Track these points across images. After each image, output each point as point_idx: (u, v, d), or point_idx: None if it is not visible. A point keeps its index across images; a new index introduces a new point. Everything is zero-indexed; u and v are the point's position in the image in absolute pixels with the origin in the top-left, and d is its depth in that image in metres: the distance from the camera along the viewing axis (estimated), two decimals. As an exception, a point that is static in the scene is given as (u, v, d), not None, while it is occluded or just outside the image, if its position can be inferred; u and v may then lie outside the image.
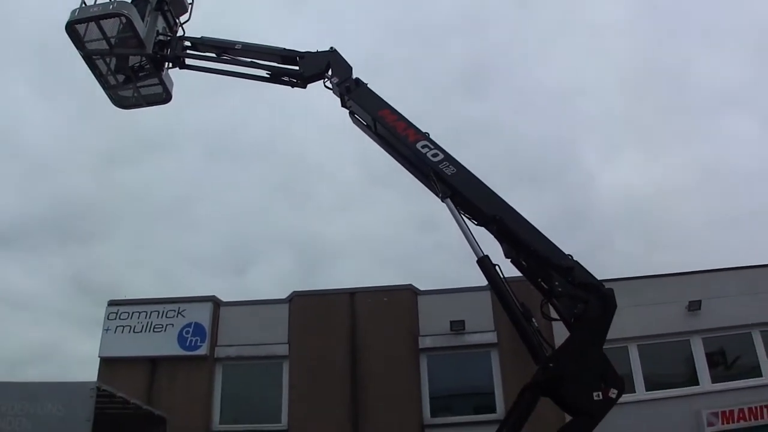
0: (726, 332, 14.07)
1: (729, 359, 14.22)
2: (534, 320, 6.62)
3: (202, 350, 13.83)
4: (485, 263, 6.78)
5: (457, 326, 13.38)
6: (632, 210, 36.52)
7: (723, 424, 13.29)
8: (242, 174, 39.53)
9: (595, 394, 6.16)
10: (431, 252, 35.74)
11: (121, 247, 36.33)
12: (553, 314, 6.80)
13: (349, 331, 13.64)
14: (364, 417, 13.07)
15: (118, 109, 10.58)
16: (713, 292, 14.07)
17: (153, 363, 14.05)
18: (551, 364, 6.19)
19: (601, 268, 6.73)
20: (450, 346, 13.46)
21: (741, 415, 13.36)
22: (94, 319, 15.35)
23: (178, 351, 13.95)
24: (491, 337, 13.41)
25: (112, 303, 14.69)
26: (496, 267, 6.80)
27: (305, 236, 36.76)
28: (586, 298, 6.50)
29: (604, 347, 6.42)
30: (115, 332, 14.35)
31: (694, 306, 13.86)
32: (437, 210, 7.49)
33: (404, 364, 13.32)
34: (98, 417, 11.46)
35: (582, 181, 36.63)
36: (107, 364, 14.19)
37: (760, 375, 13.95)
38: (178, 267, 35.56)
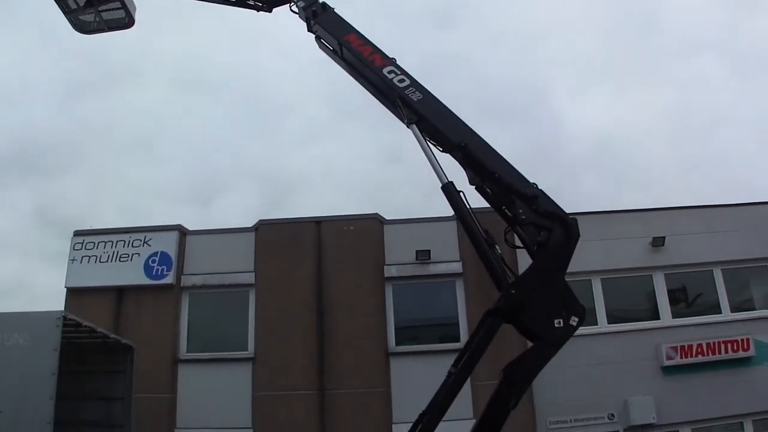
0: (688, 269, 14.27)
1: (690, 296, 14.47)
2: (497, 247, 6.58)
3: (169, 279, 13.79)
4: (449, 189, 6.70)
5: (423, 256, 13.38)
6: (600, 149, 36.77)
7: (681, 357, 13.63)
8: (208, 106, 38.87)
9: (556, 321, 6.07)
10: (398, 185, 35.63)
11: (86, 181, 35.68)
12: (518, 242, 6.81)
13: (314, 259, 13.61)
14: (330, 345, 13.20)
15: (81, 35, 10.30)
16: (677, 229, 14.20)
17: (120, 292, 14.02)
18: (513, 291, 6.17)
19: (568, 206, 6.62)
20: (415, 275, 13.50)
21: (699, 350, 13.70)
22: (60, 253, 15.18)
23: (144, 280, 13.90)
24: (456, 267, 13.45)
25: (77, 233, 14.53)
26: (461, 193, 6.76)
27: (272, 169, 36.45)
28: (550, 226, 6.43)
29: (567, 279, 6.45)
30: (81, 262, 14.24)
31: (658, 242, 14.01)
32: (404, 144, 7.37)
33: (369, 293, 13.38)
34: (66, 346, 11.49)
35: (551, 119, 36.71)
36: (74, 294, 14.14)
37: (719, 312, 14.25)
38: (144, 200, 35.12)
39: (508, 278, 6.33)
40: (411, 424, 6.04)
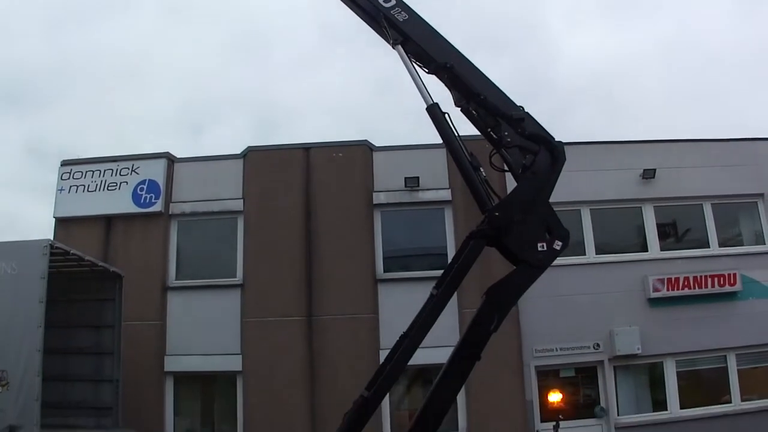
0: (678, 202, 14.27)
1: (679, 228, 14.51)
2: (482, 170, 6.51)
3: (157, 207, 13.74)
4: (434, 111, 6.59)
5: (412, 183, 13.34)
6: (594, 83, 36.40)
7: (668, 290, 13.73)
8: (197, 34, 38.14)
9: (539, 244, 6.00)
10: (389, 115, 35.17)
11: (74, 112, 35.09)
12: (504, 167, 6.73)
13: (303, 186, 13.54)
14: (319, 271, 13.23)
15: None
16: (668, 162, 14.16)
17: (108, 221, 13.99)
18: (497, 213, 6.10)
19: (559, 138, 6.59)
20: (404, 202, 13.49)
21: (686, 283, 13.78)
22: (49, 186, 15.06)
23: (132, 208, 13.85)
24: (445, 195, 13.43)
25: (65, 163, 14.42)
26: (446, 115, 6.67)
27: (263, 98, 35.91)
28: (536, 149, 6.37)
29: (556, 209, 6.40)
30: (69, 192, 14.18)
31: (648, 174, 13.98)
32: (395, 73, 7.20)
33: (358, 220, 13.36)
34: (54, 275, 11.52)
35: (544, 49, 36.19)
36: (63, 224, 14.13)
37: (707, 246, 14.29)
38: (134, 130, 34.67)
39: (492, 201, 6.26)
40: None
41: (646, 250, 14.06)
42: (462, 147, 6.44)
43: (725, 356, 13.97)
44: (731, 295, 13.89)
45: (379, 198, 13.54)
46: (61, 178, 14.25)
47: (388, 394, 12.26)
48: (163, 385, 13.25)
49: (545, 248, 6.01)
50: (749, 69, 36.26)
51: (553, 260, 6.10)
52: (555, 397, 13.40)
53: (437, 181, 13.50)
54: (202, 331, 13.20)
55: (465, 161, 6.38)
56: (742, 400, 13.90)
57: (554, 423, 12.39)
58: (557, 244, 6.08)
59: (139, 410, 12.82)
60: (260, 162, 13.81)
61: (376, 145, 13.98)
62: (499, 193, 6.60)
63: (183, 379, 13.47)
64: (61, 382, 12.02)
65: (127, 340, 12.75)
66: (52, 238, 10.22)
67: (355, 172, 13.59)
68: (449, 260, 12.91)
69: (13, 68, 33.81)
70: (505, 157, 6.48)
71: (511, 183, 6.72)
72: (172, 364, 13.27)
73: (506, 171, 6.59)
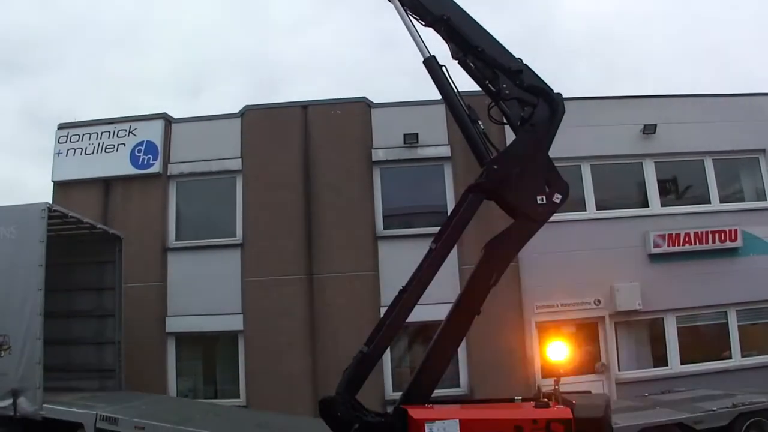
0: (678, 158, 14.17)
1: (679, 184, 14.44)
2: (480, 123, 6.43)
3: (155, 168, 13.65)
4: (431, 63, 6.52)
5: (411, 139, 13.23)
6: (595, 37, 35.89)
7: (669, 246, 13.70)
8: None
9: (538, 197, 6.03)
10: (389, 73, 34.79)
11: (71, 76, 34.70)
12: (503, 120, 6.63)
13: (302, 144, 13.42)
14: (318, 230, 13.19)
15: None
16: (669, 117, 14.02)
17: (106, 184, 13.91)
18: (495, 166, 6.02)
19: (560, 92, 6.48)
20: (403, 158, 13.40)
21: (687, 239, 13.74)
22: (47, 151, 14.93)
23: (131, 170, 13.76)
24: (444, 151, 13.32)
25: (62, 126, 14.30)
26: (443, 68, 6.56)
27: (261, 58, 35.52)
28: (534, 101, 6.29)
29: (557, 164, 6.30)
30: (66, 156, 14.08)
31: (649, 129, 13.87)
32: (393, 29, 7.00)
33: (357, 177, 13.27)
34: (53, 239, 11.47)
35: (543, 4, 35.66)
36: (61, 188, 14.07)
37: (708, 202, 14.23)
38: (131, 93, 34.41)
39: (490, 154, 6.19)
40: None
41: (647, 206, 14.00)
42: (460, 99, 6.37)
43: (725, 312, 14.00)
44: (732, 251, 13.87)
45: (378, 155, 13.46)
46: (59, 142, 14.16)
47: (388, 350, 12.50)
48: (165, 345, 13.27)
49: (544, 201, 6.00)
50: (752, 25, 35.75)
51: (552, 213, 6.05)
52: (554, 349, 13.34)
53: (437, 138, 13.40)
54: (203, 291, 13.19)
55: (463, 114, 6.32)
56: (743, 356, 13.95)
57: (556, 379, 12.43)
58: (557, 197, 6.05)
59: (141, 371, 12.86)
60: (258, 121, 13.69)
61: (375, 102, 13.85)
62: (498, 146, 6.54)
63: (184, 339, 13.49)
64: (63, 346, 12.04)
65: (128, 301, 12.75)
66: (50, 203, 10.16)
67: (353, 129, 13.48)
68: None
69: (9, 32, 33.42)
70: (504, 109, 6.41)
71: (510, 136, 6.66)
72: (173, 324, 13.28)
73: (505, 124, 6.53)
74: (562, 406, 5.50)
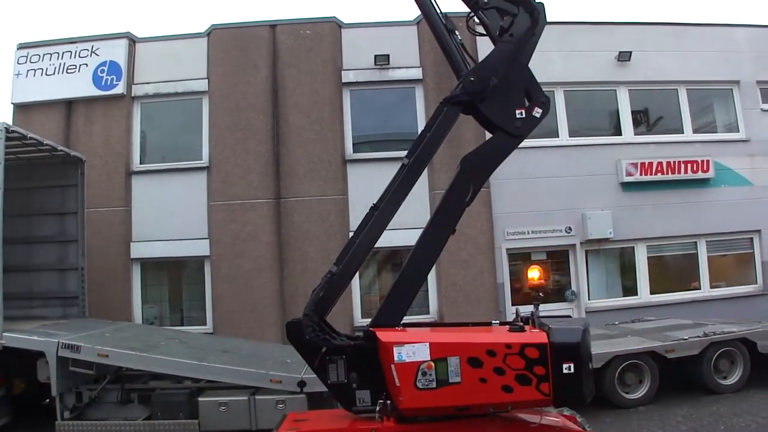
0: (653, 86, 14.02)
1: (653, 113, 14.33)
2: (457, 33, 6.09)
3: (119, 89, 13.18)
4: None
5: (382, 61, 12.86)
6: None
7: (641, 174, 13.66)
8: None
9: (517, 111, 5.67)
10: None
11: None
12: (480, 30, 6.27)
13: (269, 64, 12.98)
14: (286, 152, 12.88)
15: None
16: (645, 45, 13.85)
17: (68, 106, 13.44)
18: (471, 78, 5.66)
19: None
20: (374, 80, 13.05)
21: (659, 168, 13.70)
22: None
23: (93, 91, 13.28)
24: (416, 74, 13.00)
25: (21, 46, 13.72)
26: None
27: None
28: (515, 10, 5.95)
29: None
30: (26, 77, 13.56)
31: (624, 57, 13.68)
32: None
33: (327, 99, 12.89)
34: (13, 162, 11.07)
35: None
36: (21, 110, 13.63)
37: (681, 132, 14.15)
38: (94, 10, 32.77)
39: (468, 66, 5.88)
40: None
41: (620, 134, 13.88)
42: (436, 7, 6.04)
43: (696, 243, 14.07)
44: (704, 182, 13.90)
45: (348, 77, 13.09)
46: (18, 62, 13.62)
47: (357, 276, 12.36)
48: (129, 272, 13.03)
49: (523, 115, 5.66)
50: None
51: (532, 128, 5.73)
52: (534, 274, 13.37)
53: (408, 60, 13.06)
54: (168, 216, 12.92)
55: (438, 22, 5.99)
56: (711, 287, 14.06)
57: (535, 302, 12.42)
58: (536, 112, 5.70)
59: (106, 299, 12.64)
60: (225, 40, 13.22)
61: (345, 22, 13.44)
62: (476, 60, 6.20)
63: (150, 265, 13.24)
64: (24, 273, 11.79)
65: (92, 227, 12.46)
66: (8, 123, 9.73)
67: (323, 49, 13.07)
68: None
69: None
70: (482, 19, 6.08)
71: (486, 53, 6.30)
72: (138, 250, 13.02)
73: (483, 35, 6.21)
74: (537, 330, 5.21)
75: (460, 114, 5.81)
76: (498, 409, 5.13)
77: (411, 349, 5.04)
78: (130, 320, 12.64)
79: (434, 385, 4.99)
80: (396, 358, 5.03)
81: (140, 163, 13.31)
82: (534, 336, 5.09)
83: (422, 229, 5.67)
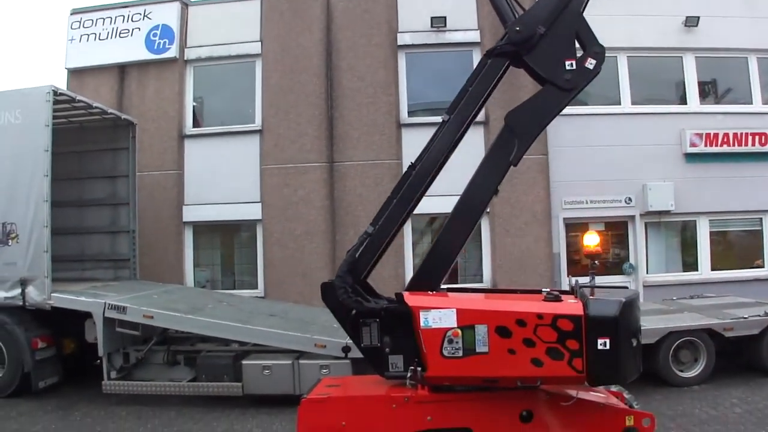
0: (721, 53, 13.38)
1: (721, 82, 13.71)
2: None
3: (171, 53, 13.15)
4: None
5: (438, 23, 12.51)
6: None
7: (706, 146, 13.10)
8: None
9: (567, 62, 5.17)
10: None
11: None
12: None
13: (323, 26, 12.74)
14: (339, 116, 12.69)
15: None
16: (713, 9, 13.16)
17: (121, 70, 13.50)
18: (518, 27, 5.25)
19: None
20: (430, 43, 12.71)
21: (725, 140, 13.13)
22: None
23: (146, 55, 13.30)
24: (474, 36, 12.61)
25: (74, 12, 13.82)
26: None
27: None
28: None
29: None
30: (80, 41, 13.66)
31: (692, 22, 13.02)
32: None
33: (381, 62, 12.62)
34: (64, 125, 11.14)
35: None
36: (75, 75, 13.77)
37: (750, 102, 13.53)
38: None
39: (515, 13, 5.48)
40: None
41: (685, 103, 13.31)
42: None
43: (761, 219, 13.52)
44: (771, 155, 13.26)
45: (403, 39, 12.77)
46: (71, 28, 13.71)
47: (410, 238, 12.10)
48: (182, 235, 13.06)
49: (574, 67, 5.18)
50: None
51: (585, 81, 5.21)
52: (591, 240, 12.74)
53: (466, 22, 12.67)
54: (221, 179, 12.89)
55: None
56: (775, 266, 13.50)
57: (591, 269, 11.89)
58: (590, 62, 5.17)
59: (158, 262, 12.71)
60: (278, 2, 12.98)
61: (401, -18, 13.11)
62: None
63: (202, 229, 13.25)
64: (76, 235, 11.93)
65: (144, 190, 12.55)
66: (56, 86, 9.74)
67: (378, 11, 12.75)
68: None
69: None
70: None
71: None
72: (190, 214, 13.03)
73: None
74: (575, 301, 4.73)
75: (507, 68, 5.38)
76: (526, 383, 4.74)
77: (438, 315, 4.73)
78: (181, 283, 12.69)
79: (460, 353, 4.67)
80: (422, 324, 4.73)
81: (193, 127, 13.26)
82: (568, 307, 4.66)
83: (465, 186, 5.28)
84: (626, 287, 5.56)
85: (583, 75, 5.22)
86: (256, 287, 12.82)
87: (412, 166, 5.32)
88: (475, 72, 5.42)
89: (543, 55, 5.25)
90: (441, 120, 5.33)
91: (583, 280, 5.45)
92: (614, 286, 6.06)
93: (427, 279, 5.13)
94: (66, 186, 11.14)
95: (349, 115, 12.63)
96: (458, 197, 5.23)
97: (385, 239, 5.29)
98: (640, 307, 4.90)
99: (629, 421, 4.88)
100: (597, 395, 5.16)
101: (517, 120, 5.23)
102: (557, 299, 4.79)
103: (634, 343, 4.67)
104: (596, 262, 11.94)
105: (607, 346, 4.48)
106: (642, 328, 4.96)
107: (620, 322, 4.53)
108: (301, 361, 8.40)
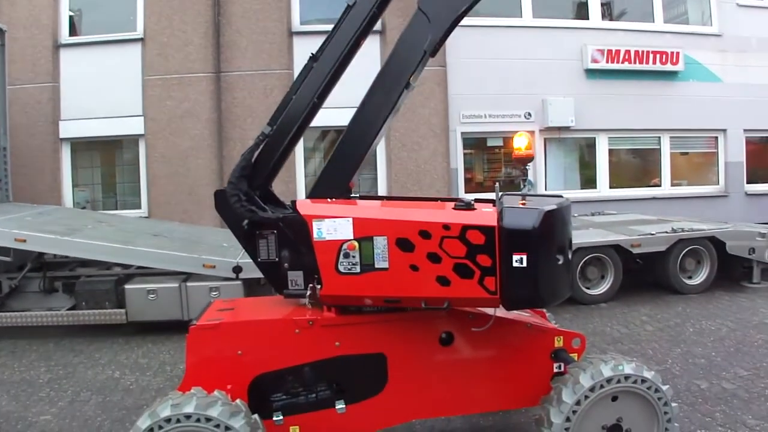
0: (624, -31, 13.25)
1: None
2: None
3: (44, -48, 12.07)
4: None
5: None
6: None
7: (607, 62, 13.00)
8: None
9: None
10: None
11: None
12: None
13: None
14: (227, 23, 11.87)
15: None
16: None
17: (-11, -30, 12.27)
18: None
19: None
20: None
21: (627, 57, 13.07)
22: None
23: (15, -44, 12.15)
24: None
25: None
26: None
27: None
28: None
29: None
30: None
31: (592, -68, 12.82)
32: None
33: (270, -38, 11.98)
34: None
35: None
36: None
37: (652, 20, 13.45)
38: None
39: None
40: None
41: (587, 18, 13.11)
42: None
43: (659, 138, 13.61)
44: (672, 75, 13.32)
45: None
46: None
47: (301, 152, 11.55)
48: (59, 153, 12.13)
49: None
50: None
51: None
52: (521, 141, 11.29)
53: None
54: (100, 92, 11.94)
55: None
56: (672, 185, 13.65)
57: (522, 174, 11.45)
58: None
59: (33, 182, 11.81)
60: None
61: None
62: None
63: (80, 146, 12.34)
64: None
65: (16, 105, 11.55)
66: None
67: None
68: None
69: None
70: None
71: None
72: (67, 129, 12.08)
73: None
74: (490, 210, 4.02)
75: None
76: (432, 305, 4.09)
77: (331, 225, 4.04)
78: (59, 205, 11.81)
79: (358, 269, 4.02)
80: (315, 235, 4.07)
81: (69, 35, 12.25)
82: (479, 216, 3.96)
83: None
84: (561, 196, 4.76)
85: None
86: (139, 207, 12.11)
87: (313, 58, 4.55)
88: None
89: None
90: (346, 5, 4.62)
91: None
92: (550, 195, 5.39)
93: (331, 183, 4.35)
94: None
95: (237, 22, 11.87)
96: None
97: (285, 140, 4.50)
98: (569, 218, 4.19)
99: (558, 342, 4.42)
100: (521, 314, 4.60)
101: (433, 5, 4.41)
102: (469, 207, 4.10)
103: (560, 261, 4.01)
104: (527, 166, 11.63)
105: (524, 263, 3.84)
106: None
107: (540, 235, 3.87)
108: (188, 284, 7.87)
